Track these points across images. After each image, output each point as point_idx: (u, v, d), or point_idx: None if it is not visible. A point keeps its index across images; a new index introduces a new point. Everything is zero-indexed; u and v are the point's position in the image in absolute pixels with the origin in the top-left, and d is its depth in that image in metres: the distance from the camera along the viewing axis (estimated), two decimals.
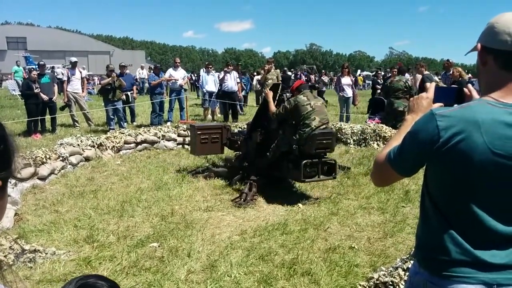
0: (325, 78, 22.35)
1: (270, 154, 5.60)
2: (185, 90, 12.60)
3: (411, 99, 1.54)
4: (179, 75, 12.17)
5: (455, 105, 1.41)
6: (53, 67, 22.20)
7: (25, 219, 4.61)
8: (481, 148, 1.19)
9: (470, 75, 19.18)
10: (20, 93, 10.85)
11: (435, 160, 1.27)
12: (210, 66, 13.38)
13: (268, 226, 4.43)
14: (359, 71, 37.34)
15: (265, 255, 3.75)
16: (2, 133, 0.79)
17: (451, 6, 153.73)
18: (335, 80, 12.86)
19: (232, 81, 12.45)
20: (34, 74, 10.07)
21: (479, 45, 1.33)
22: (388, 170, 1.39)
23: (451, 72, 10.31)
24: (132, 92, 11.76)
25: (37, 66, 13.96)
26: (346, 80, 11.82)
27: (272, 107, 5.61)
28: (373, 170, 1.51)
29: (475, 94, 1.44)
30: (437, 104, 1.45)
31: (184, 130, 8.89)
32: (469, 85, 1.51)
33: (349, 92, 11.81)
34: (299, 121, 5.31)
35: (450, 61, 11.51)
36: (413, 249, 1.53)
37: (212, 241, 4.09)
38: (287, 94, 5.84)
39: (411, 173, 1.38)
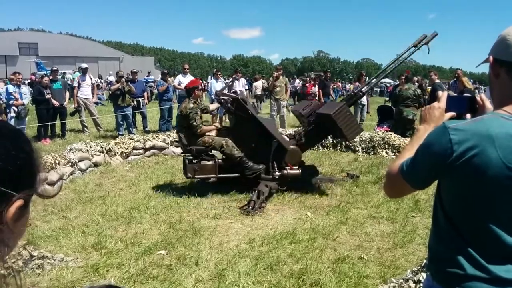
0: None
1: None
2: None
3: (423, 109, 1.52)
4: (187, 82, 12.20)
5: (468, 118, 1.39)
6: (64, 73, 22.46)
7: (34, 225, 4.62)
8: (495, 162, 1.16)
9: (478, 84, 19.06)
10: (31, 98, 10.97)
11: (448, 174, 1.25)
12: (219, 73, 13.43)
13: (277, 235, 4.40)
14: (366, 78, 37.21)
15: (273, 264, 3.72)
16: (27, 150, 0.78)
17: (459, 13, 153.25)
18: (352, 87, 12.95)
19: (240, 87, 12.47)
20: (46, 80, 10.18)
21: (491, 57, 1.30)
22: (401, 182, 1.37)
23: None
24: (143, 98, 11.81)
25: (49, 72, 14.12)
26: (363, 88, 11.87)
27: None
28: (385, 181, 1.49)
29: (487, 104, 1.41)
30: (449, 114, 1.43)
31: None
32: (482, 95, 1.48)
33: (364, 100, 11.93)
34: None
35: (460, 70, 11.47)
36: (425, 261, 1.50)
37: (220, 249, 4.07)
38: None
39: (424, 186, 1.36)
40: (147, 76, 24.95)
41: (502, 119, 1.21)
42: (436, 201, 1.37)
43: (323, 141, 9.04)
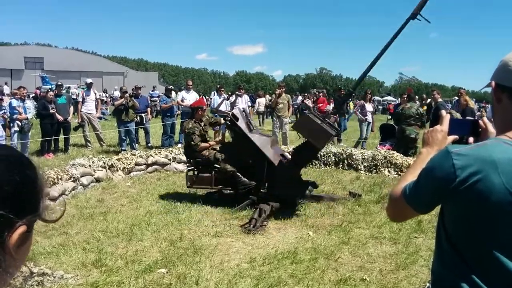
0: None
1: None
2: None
3: (425, 131, 1.52)
4: (191, 98, 12.29)
5: (471, 142, 1.39)
6: (69, 87, 22.61)
7: (35, 241, 4.61)
8: (499, 188, 1.16)
9: (485, 103, 19.09)
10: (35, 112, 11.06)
11: (451, 198, 1.25)
12: (222, 89, 13.52)
13: (278, 254, 4.37)
14: (373, 97, 37.32)
15: (274, 285, 3.69)
16: (32, 175, 0.78)
17: (461, 33, 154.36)
18: (357, 105, 13.03)
19: (243, 104, 12.53)
20: (51, 95, 10.26)
21: (493, 82, 1.31)
22: (404, 206, 1.36)
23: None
24: (146, 113, 11.87)
25: (54, 86, 14.24)
26: (369, 107, 12.28)
27: None
28: (388, 204, 1.48)
29: (490, 128, 1.42)
30: (452, 137, 1.44)
31: None
32: (484, 118, 1.49)
33: (370, 117, 12.21)
34: None
35: (463, 89, 11.53)
36: (428, 284, 1.49)
37: (221, 269, 4.04)
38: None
39: (427, 210, 1.35)
40: (152, 90, 25.13)
41: (505, 145, 1.21)
42: (440, 224, 1.37)
43: (325, 158, 9.04)
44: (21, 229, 0.74)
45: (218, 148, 6.53)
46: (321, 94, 17.43)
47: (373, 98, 12.86)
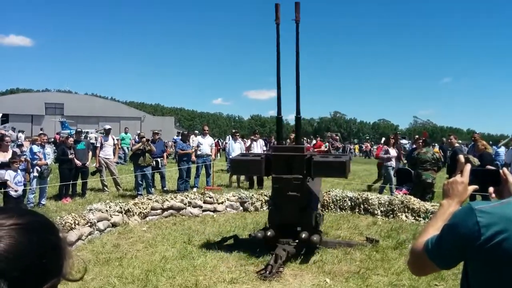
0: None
1: None
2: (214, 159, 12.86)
3: (445, 183, 1.51)
4: (207, 143, 12.49)
5: (491, 193, 1.40)
6: (87, 132, 23.19)
7: None
8: None
9: (502, 146, 18.82)
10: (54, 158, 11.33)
11: (476, 256, 1.23)
12: (237, 134, 13.73)
13: None
14: (383, 139, 37.43)
15: None
16: (55, 241, 0.83)
17: (474, 77, 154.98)
18: (381, 150, 12.50)
19: (258, 149, 12.66)
20: (71, 141, 10.55)
21: None
22: (426, 261, 1.35)
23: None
24: (162, 158, 12.05)
25: (73, 132, 14.63)
26: (393, 152, 11.73)
27: None
28: (410, 258, 1.46)
29: (510, 178, 1.41)
30: (472, 187, 1.43)
31: (209, 197, 8.95)
32: (504, 169, 1.49)
33: (394, 163, 11.66)
34: None
35: (478, 134, 11.48)
36: None
37: None
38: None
39: (450, 266, 1.34)
40: (176, 136, 25.57)
41: None
42: (463, 280, 1.35)
43: (341, 203, 8.98)
44: None
45: None
46: (337, 137, 17.64)
47: (399, 142, 12.28)
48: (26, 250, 0.76)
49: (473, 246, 1.21)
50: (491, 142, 25.21)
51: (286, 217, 5.91)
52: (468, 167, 1.47)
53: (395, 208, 8.52)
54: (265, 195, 8.95)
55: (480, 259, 1.23)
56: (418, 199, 8.64)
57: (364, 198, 8.87)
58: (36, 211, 0.87)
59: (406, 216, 8.34)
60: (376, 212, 8.66)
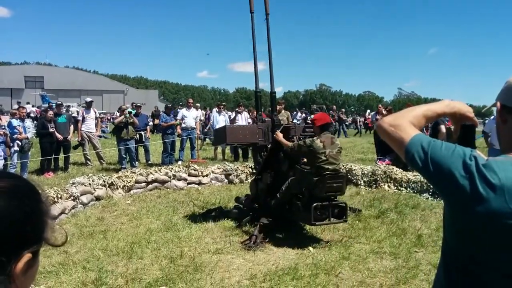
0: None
1: (280, 196, 5.59)
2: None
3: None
4: (192, 115, 12.38)
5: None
6: (68, 106, 22.75)
7: None
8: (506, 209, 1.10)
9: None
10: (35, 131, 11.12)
11: (462, 208, 1.14)
12: (222, 106, 13.62)
13: (278, 271, 4.36)
14: (368, 111, 37.65)
15: None
16: (36, 205, 0.79)
17: (461, 48, 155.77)
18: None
19: (243, 121, 12.61)
20: (50, 114, 10.33)
21: (498, 103, 1.29)
22: (399, 149, 1.26)
23: None
24: (145, 131, 11.94)
25: (53, 105, 14.33)
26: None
27: (287, 143, 5.62)
28: (383, 129, 1.32)
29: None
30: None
31: (194, 170, 8.94)
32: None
33: None
34: (310, 164, 5.36)
35: None
36: None
37: (222, 286, 4.02)
38: None
39: (417, 171, 1.24)
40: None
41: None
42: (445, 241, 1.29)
43: None
44: (26, 257, 0.75)
45: None
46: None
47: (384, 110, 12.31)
48: (4, 214, 0.73)
49: (462, 197, 1.12)
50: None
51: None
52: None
53: (378, 179, 8.65)
54: (250, 167, 8.96)
55: (467, 213, 1.14)
56: (401, 169, 8.76)
57: (347, 169, 8.96)
58: (18, 174, 0.83)
59: (388, 186, 8.48)
60: (359, 182, 8.77)
